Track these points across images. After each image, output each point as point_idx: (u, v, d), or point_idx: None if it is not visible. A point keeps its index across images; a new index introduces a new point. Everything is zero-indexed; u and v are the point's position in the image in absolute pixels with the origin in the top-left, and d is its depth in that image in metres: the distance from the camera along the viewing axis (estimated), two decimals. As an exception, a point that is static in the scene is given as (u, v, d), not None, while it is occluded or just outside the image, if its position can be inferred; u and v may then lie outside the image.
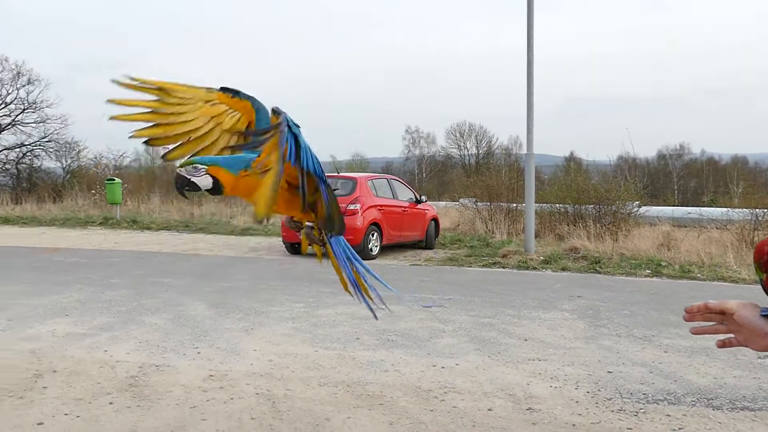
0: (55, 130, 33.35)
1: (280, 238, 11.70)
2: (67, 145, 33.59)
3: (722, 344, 1.15)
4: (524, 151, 11.97)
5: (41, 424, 3.28)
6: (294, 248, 11.11)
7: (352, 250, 1.99)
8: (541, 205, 13.80)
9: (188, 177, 1.65)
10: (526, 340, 5.07)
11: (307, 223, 1.85)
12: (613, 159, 21.94)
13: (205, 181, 1.65)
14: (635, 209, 13.63)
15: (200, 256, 10.74)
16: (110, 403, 3.57)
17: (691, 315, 1.15)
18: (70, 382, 3.94)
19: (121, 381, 3.97)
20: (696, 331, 1.17)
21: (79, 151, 33.88)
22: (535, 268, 9.50)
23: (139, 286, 7.38)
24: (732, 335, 1.11)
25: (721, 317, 1.11)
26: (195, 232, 15.32)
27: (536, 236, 11.44)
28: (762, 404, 3.61)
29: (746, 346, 1.08)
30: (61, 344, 4.80)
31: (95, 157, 33.29)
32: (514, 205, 14.63)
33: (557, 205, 14.12)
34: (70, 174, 31.65)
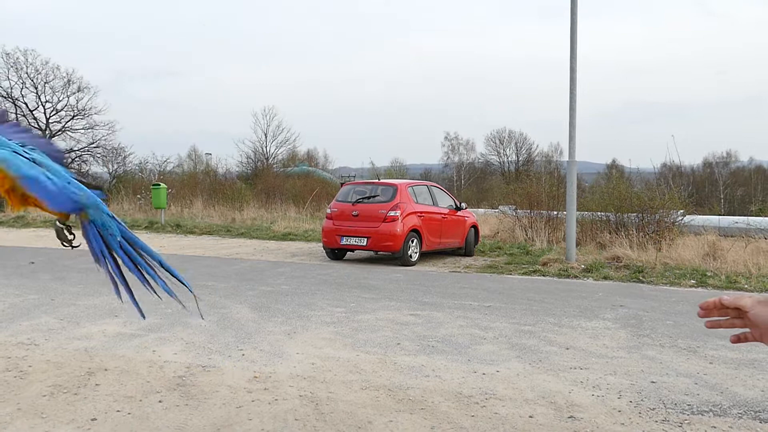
0: (103, 136, 34.31)
1: (321, 244, 11.83)
2: (114, 151, 34.57)
3: (737, 339, 1.14)
4: (565, 158, 11.90)
5: (95, 419, 3.41)
6: (335, 254, 11.23)
7: (137, 242, 1.96)
8: (582, 213, 13.66)
9: None
10: (567, 349, 5.04)
11: (57, 222, 1.89)
12: (657, 167, 21.52)
13: None
14: (680, 218, 13.37)
15: (242, 260, 10.93)
16: (159, 402, 3.69)
17: (706, 311, 1.14)
18: (121, 380, 4.07)
19: (170, 380, 4.09)
20: (711, 325, 1.16)
21: (125, 157, 34.82)
22: (576, 277, 9.41)
23: (184, 289, 7.54)
24: (748, 330, 1.10)
25: (737, 312, 1.10)
26: (236, 236, 15.58)
27: (577, 244, 11.33)
28: (812, 418, 3.54)
29: (762, 342, 1.08)
30: (111, 344, 4.96)
31: (140, 163, 34.18)
32: (555, 212, 14.51)
33: (599, 213, 13.94)
34: (116, 179, 32.53)
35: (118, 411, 3.53)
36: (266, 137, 43.20)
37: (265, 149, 43.42)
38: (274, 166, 41.39)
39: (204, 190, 25.73)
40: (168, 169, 37.90)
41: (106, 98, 66.07)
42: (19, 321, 5.71)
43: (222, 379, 4.13)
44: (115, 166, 34.59)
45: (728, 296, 1.11)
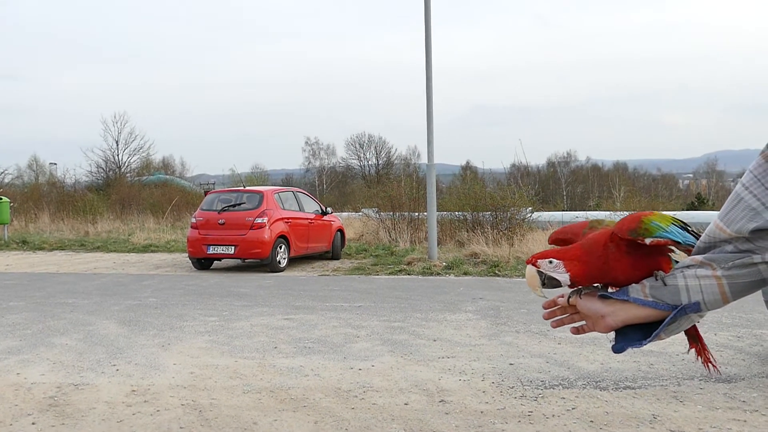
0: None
1: (186, 254, 11.58)
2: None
3: (576, 331, 1.20)
4: (423, 160, 12.54)
5: (-38, 448, 3.26)
6: (201, 263, 11.04)
7: None
8: (441, 213, 14.37)
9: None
10: (435, 341, 5.42)
11: None
12: (506, 167, 23.04)
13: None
14: (528, 215, 14.47)
15: (102, 274, 10.46)
16: (33, 424, 3.58)
17: (550, 313, 1.21)
18: (-15, 406, 3.88)
19: (40, 402, 3.95)
20: (556, 325, 1.23)
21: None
22: (438, 274, 9.96)
23: (42, 308, 7.17)
24: (584, 322, 1.17)
25: (573, 308, 1.18)
26: (92, 250, 14.81)
27: (438, 243, 11.95)
28: (641, 383, 4.11)
29: (595, 330, 1.15)
30: (-33, 370, 4.66)
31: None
32: (416, 214, 15.14)
33: (456, 212, 14.74)
34: (-55, 193, 29.55)
35: (-13, 437, 3.39)
36: (118, 145, 41.09)
37: (117, 158, 41.26)
38: (128, 175, 39.49)
39: (50, 203, 24.12)
40: (6, 180, 35.06)
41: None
42: None
43: (98, 395, 4.05)
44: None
45: (561, 297, 1.19)
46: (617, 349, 1.14)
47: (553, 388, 4.05)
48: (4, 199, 16.69)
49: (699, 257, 1.03)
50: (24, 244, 15.86)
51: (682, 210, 22.13)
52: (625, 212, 14.17)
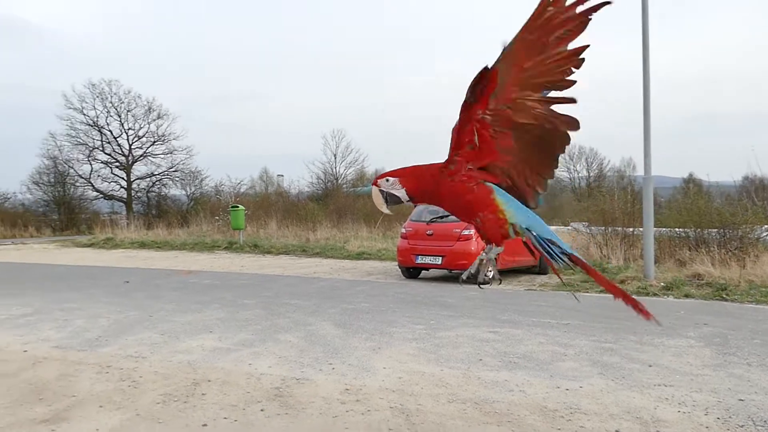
0: (181, 160, 35.88)
1: (396, 263, 12.07)
2: (191, 174, 36.10)
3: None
4: (639, 172, 11.80)
5: (205, 425, 3.71)
6: (410, 272, 11.45)
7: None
8: (659, 229, 13.39)
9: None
10: (650, 366, 5.06)
11: None
12: (737, 180, 20.79)
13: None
14: (764, 234, 12.93)
15: (321, 278, 11.29)
16: (261, 410, 3.97)
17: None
18: (223, 390, 4.39)
19: (268, 391, 4.37)
20: None
21: (201, 180, 36.25)
22: (655, 295, 9.29)
23: (270, 307, 7.93)
24: None
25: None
26: (312, 256, 16.04)
27: (655, 262, 11.14)
28: None
29: None
30: (210, 357, 5.31)
31: (216, 185, 35.53)
32: (631, 229, 14.27)
33: (677, 229, 13.64)
34: (194, 201, 33.88)
35: (225, 418, 3.83)
36: (335, 158, 44.05)
37: (334, 170, 44.26)
38: (344, 186, 42.13)
39: (278, 211, 26.49)
40: (242, 190, 39.18)
41: (183, 124, 69.11)
42: (125, 336, 6.17)
43: (316, 390, 4.38)
44: (193, 189, 36.04)
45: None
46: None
47: (794, 432, 3.58)
48: (240, 207, 18.77)
49: None
50: (255, 247, 17.68)
51: None
52: None
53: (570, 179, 52.15)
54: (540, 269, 12.16)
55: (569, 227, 18.21)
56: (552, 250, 2.32)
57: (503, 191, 2.22)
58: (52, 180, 34.27)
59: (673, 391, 4.39)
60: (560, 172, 52.00)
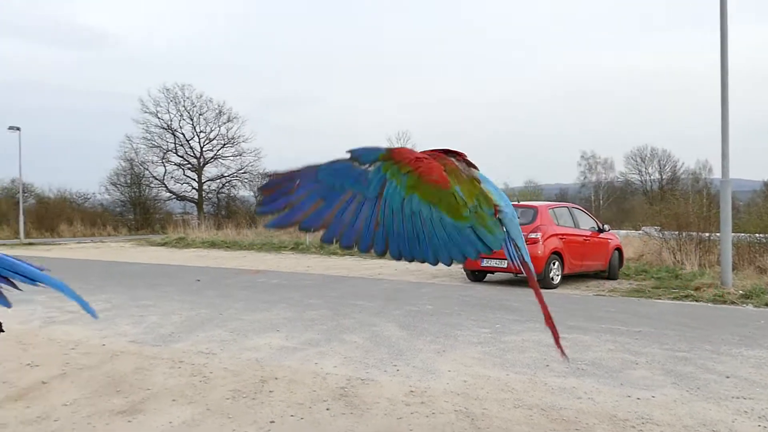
0: (250, 162, 36.74)
1: (460, 265, 11.99)
2: (260, 176, 36.94)
3: None
4: (715, 175, 11.35)
5: (273, 422, 3.79)
6: (475, 275, 11.36)
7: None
8: (737, 234, 12.84)
9: None
10: (728, 377, 4.85)
11: None
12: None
13: None
14: None
15: (385, 280, 11.34)
16: (327, 409, 4.02)
17: None
18: (290, 388, 4.46)
19: (333, 391, 4.42)
20: None
21: (271, 182, 37.05)
22: (733, 303, 8.90)
23: (336, 307, 8.03)
24: None
25: None
26: (377, 257, 16.11)
27: (733, 268, 10.67)
28: None
29: None
30: (277, 355, 5.42)
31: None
32: (706, 234, 13.74)
33: (757, 234, 13.04)
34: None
35: (292, 416, 3.89)
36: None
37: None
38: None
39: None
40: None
41: (252, 127, 70.83)
42: (196, 333, 6.37)
43: (380, 391, 4.40)
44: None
45: None
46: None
47: None
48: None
49: None
50: (321, 248, 17.91)
51: None
52: None
53: (641, 182, 50.63)
54: (609, 275, 11.85)
55: (640, 231, 17.68)
56: (510, 248, 2.60)
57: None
58: (129, 181, 35.76)
59: (752, 404, 4.19)
60: (631, 175, 50.54)
